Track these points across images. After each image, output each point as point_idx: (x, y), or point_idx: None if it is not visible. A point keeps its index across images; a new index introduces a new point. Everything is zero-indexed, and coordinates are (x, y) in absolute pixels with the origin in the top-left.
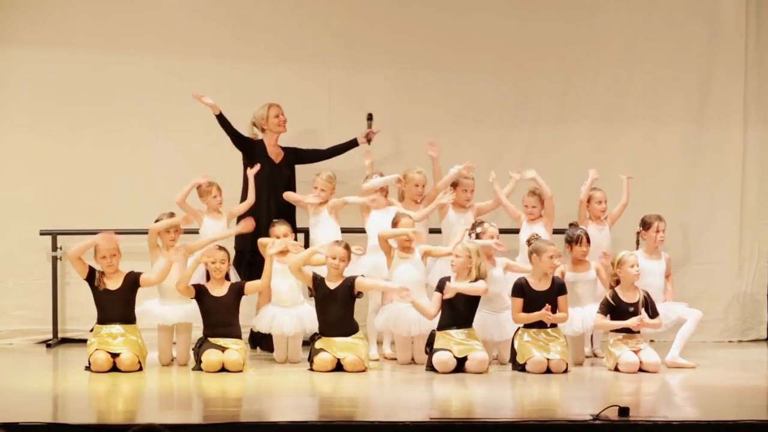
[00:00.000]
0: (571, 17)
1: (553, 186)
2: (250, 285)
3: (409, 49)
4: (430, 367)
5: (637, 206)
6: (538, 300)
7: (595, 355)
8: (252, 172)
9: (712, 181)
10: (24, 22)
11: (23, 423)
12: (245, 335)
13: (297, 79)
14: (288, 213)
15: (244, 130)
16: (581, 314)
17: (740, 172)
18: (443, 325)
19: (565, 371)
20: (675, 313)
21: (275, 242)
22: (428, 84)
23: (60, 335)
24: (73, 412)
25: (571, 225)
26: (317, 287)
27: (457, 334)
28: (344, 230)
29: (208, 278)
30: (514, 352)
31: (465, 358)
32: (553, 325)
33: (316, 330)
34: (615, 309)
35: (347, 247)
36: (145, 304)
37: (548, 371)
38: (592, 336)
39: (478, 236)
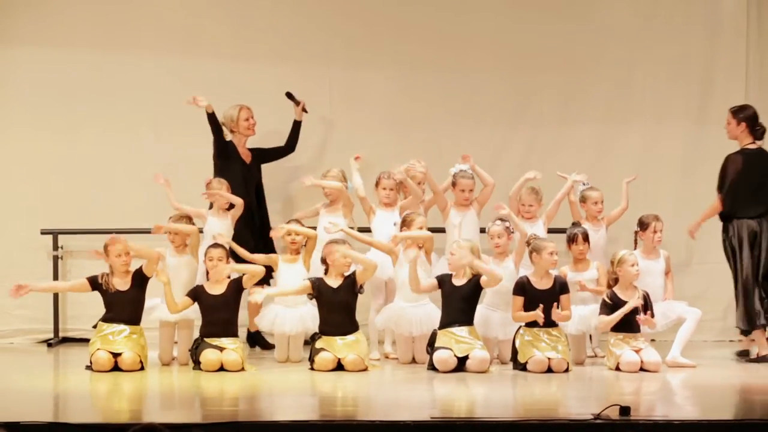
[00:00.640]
0: (572, 18)
1: (554, 186)
2: (246, 277)
3: (410, 49)
4: (431, 367)
5: (637, 207)
6: (540, 298)
7: (596, 355)
8: None
9: (713, 182)
10: (24, 22)
11: (24, 422)
12: (242, 335)
13: (297, 79)
14: (261, 213)
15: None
16: (582, 313)
17: None
18: (444, 324)
19: (566, 370)
20: (675, 312)
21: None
22: (429, 84)
23: (61, 334)
24: (74, 412)
25: (573, 224)
26: (318, 288)
27: (459, 331)
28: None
29: (208, 278)
30: (515, 351)
31: (466, 358)
32: (555, 325)
33: (317, 329)
34: (614, 308)
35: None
36: (148, 302)
37: (549, 370)
38: (591, 335)
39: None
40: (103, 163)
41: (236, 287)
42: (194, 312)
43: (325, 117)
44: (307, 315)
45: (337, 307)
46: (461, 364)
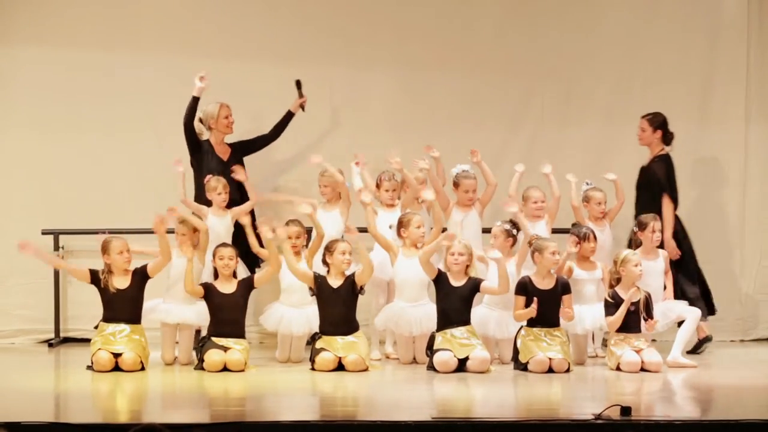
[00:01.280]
0: (572, 18)
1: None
2: (259, 277)
3: (411, 50)
4: (431, 367)
5: None
6: (542, 298)
7: (597, 355)
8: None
9: (714, 181)
10: (25, 22)
11: (25, 422)
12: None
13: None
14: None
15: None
16: (584, 313)
17: (742, 172)
18: (442, 326)
19: (568, 371)
20: (674, 312)
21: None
22: (430, 85)
23: (62, 335)
24: (75, 412)
25: (574, 225)
26: (319, 286)
27: (457, 332)
28: None
29: (216, 277)
30: (516, 351)
31: (466, 358)
32: (556, 325)
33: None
34: (617, 308)
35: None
36: (149, 303)
37: (550, 371)
38: (593, 335)
39: None
40: (104, 163)
41: (246, 287)
42: (195, 315)
43: (326, 117)
44: (313, 316)
45: (338, 307)
46: (461, 365)
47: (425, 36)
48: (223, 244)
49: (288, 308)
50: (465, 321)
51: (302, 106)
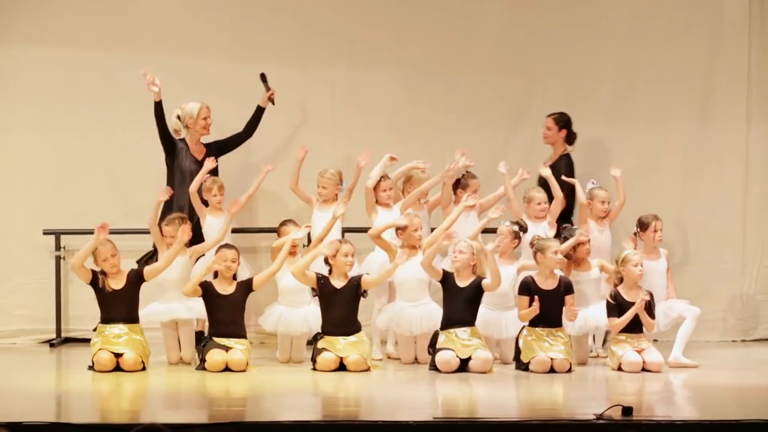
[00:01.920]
0: (573, 19)
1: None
2: (258, 279)
3: (412, 51)
4: (433, 367)
5: (639, 207)
6: (545, 298)
7: (598, 355)
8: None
9: (715, 182)
10: (25, 22)
11: (27, 422)
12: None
13: (299, 79)
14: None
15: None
16: (586, 314)
17: (743, 172)
18: (446, 325)
19: (569, 371)
20: (675, 311)
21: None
22: (431, 85)
23: (63, 335)
24: (76, 412)
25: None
26: (322, 287)
27: (461, 332)
28: (349, 230)
29: (215, 276)
30: (518, 351)
31: (468, 358)
32: (558, 325)
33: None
34: (619, 308)
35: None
36: (146, 308)
37: (552, 371)
38: (594, 335)
39: None
40: (105, 164)
41: (245, 289)
42: (187, 310)
43: (327, 118)
44: (311, 315)
45: (340, 308)
46: (463, 365)
47: (426, 36)
48: (227, 246)
49: (286, 308)
50: (469, 321)
51: (271, 99)
